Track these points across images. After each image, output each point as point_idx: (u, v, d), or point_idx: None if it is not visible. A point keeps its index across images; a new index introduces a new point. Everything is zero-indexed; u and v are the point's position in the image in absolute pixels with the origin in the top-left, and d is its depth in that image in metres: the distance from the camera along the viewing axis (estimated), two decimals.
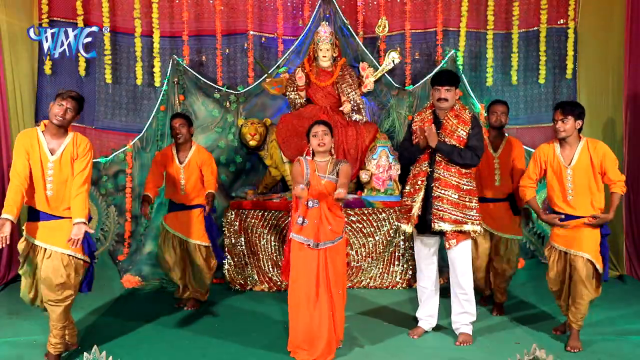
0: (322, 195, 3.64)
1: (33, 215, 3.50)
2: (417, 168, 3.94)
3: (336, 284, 3.70)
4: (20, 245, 3.51)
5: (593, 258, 3.75)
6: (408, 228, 3.94)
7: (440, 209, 3.80)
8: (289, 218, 3.80)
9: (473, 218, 3.85)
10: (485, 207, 4.39)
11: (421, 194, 3.86)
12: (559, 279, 3.92)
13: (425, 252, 4.03)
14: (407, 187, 4.01)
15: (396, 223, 5.25)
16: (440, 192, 3.81)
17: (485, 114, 4.81)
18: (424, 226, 3.91)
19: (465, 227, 3.82)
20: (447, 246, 3.87)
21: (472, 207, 3.86)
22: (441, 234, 3.90)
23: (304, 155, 3.81)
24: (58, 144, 3.46)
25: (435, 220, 3.80)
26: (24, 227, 3.54)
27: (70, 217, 3.47)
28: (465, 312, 3.99)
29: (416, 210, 3.87)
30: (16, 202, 3.31)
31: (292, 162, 5.53)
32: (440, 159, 3.84)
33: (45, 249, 3.45)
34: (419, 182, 3.88)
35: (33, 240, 3.46)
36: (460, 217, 3.81)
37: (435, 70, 5.77)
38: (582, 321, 3.83)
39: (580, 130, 3.84)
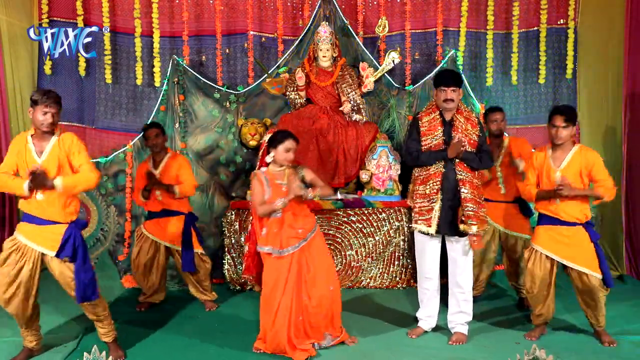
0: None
1: (26, 218, 3.48)
2: (433, 168, 3.89)
3: (327, 279, 3.76)
4: (7, 244, 3.49)
5: (595, 272, 3.78)
6: (431, 230, 3.90)
7: (471, 209, 3.81)
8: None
9: (485, 214, 3.95)
10: (494, 206, 4.55)
11: (440, 194, 3.86)
12: (545, 283, 3.90)
13: (430, 253, 4.01)
14: (420, 188, 3.94)
15: (396, 223, 5.25)
16: (468, 194, 3.82)
17: (484, 122, 4.75)
18: (440, 227, 3.89)
19: (487, 225, 3.94)
20: (476, 245, 3.89)
21: (484, 204, 3.96)
22: (461, 234, 3.89)
23: (258, 167, 3.82)
24: (45, 146, 3.44)
25: (468, 222, 3.80)
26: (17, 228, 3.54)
27: (64, 222, 3.46)
28: (461, 311, 3.99)
29: (437, 211, 3.86)
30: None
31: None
32: (460, 160, 3.86)
33: (42, 253, 3.46)
34: (437, 183, 3.86)
35: (25, 241, 3.44)
36: (483, 215, 3.88)
37: (436, 70, 5.77)
38: (604, 319, 3.90)
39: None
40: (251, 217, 3.96)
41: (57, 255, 3.43)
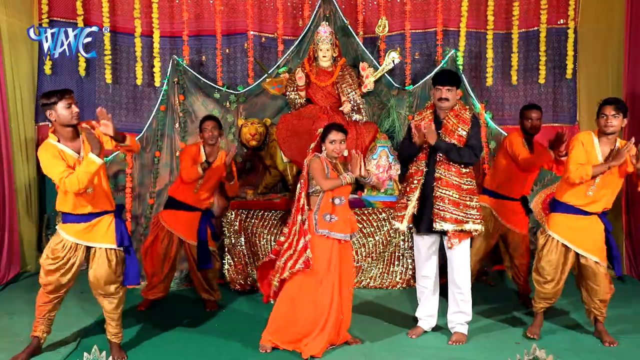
0: (346, 192, 3.78)
1: (71, 218, 3.47)
2: (414, 167, 3.95)
3: (351, 278, 3.92)
4: (55, 240, 3.48)
5: (603, 261, 3.85)
6: (402, 226, 3.94)
7: (441, 208, 3.80)
8: (303, 217, 3.81)
9: (474, 217, 3.85)
10: (498, 202, 4.62)
11: (417, 192, 3.88)
12: (559, 269, 3.93)
13: (425, 252, 4.03)
14: (404, 186, 4.03)
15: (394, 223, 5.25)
16: (442, 192, 3.81)
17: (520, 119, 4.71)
18: (422, 225, 3.92)
19: (466, 227, 3.82)
20: (449, 246, 3.87)
21: (473, 206, 3.86)
22: (442, 233, 3.90)
23: (311, 152, 3.86)
24: (79, 143, 3.43)
25: (437, 220, 3.80)
26: (57, 227, 3.53)
27: (110, 212, 3.52)
28: (460, 311, 3.99)
29: (411, 209, 3.88)
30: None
31: (292, 162, 5.54)
32: (441, 158, 3.85)
33: (89, 248, 3.49)
34: (415, 181, 3.90)
35: (77, 241, 3.45)
36: (462, 216, 3.81)
37: (436, 70, 5.77)
38: (606, 310, 3.96)
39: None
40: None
41: (120, 245, 3.49)
